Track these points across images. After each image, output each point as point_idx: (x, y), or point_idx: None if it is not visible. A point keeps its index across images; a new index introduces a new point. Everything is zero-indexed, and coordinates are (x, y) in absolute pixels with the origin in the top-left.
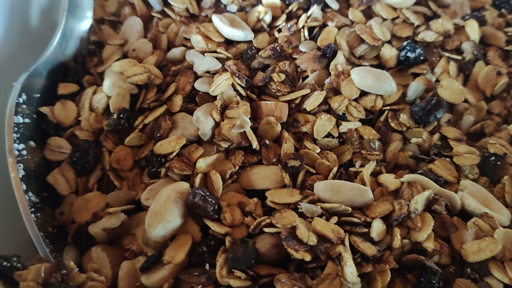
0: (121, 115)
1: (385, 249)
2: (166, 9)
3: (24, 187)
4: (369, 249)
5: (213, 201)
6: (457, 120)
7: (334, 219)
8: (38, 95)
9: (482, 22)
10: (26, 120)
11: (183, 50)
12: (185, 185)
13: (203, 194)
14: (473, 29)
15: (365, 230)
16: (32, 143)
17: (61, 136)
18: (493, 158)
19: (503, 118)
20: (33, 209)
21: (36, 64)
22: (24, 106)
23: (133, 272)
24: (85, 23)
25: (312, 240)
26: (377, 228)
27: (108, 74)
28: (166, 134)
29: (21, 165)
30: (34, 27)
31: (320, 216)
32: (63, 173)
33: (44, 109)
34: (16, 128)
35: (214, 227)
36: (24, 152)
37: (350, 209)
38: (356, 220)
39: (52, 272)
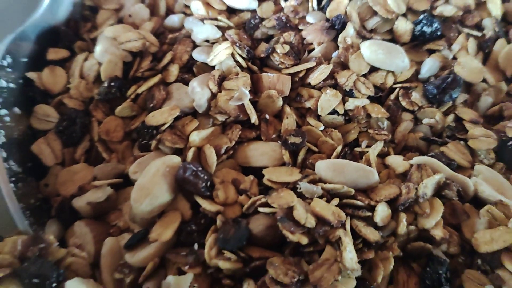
0: (113, 84)
1: (389, 235)
2: None
3: (4, 154)
4: (372, 235)
5: (206, 177)
6: (474, 101)
7: (336, 201)
8: (26, 60)
9: None
10: (11, 85)
11: (182, 17)
12: (175, 159)
13: (194, 169)
14: (495, 5)
15: (369, 214)
16: (16, 109)
17: (49, 104)
18: (511, 143)
19: None
20: (14, 179)
21: (24, 27)
22: (9, 69)
23: (117, 249)
24: None
25: (310, 222)
26: (382, 212)
27: (101, 39)
28: (159, 105)
29: (2, 131)
30: None
31: (321, 197)
32: (48, 143)
33: (32, 75)
34: None
35: (205, 204)
36: (7, 118)
37: (353, 190)
38: (359, 203)
39: (29, 245)
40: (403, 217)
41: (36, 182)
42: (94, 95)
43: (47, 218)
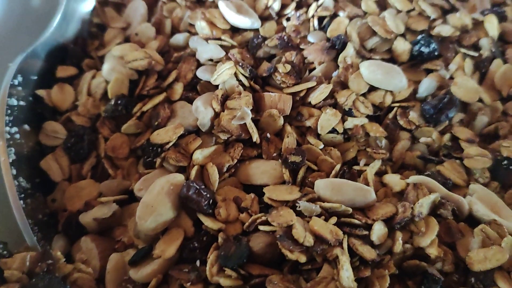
0: (119, 102)
1: (385, 253)
2: None
3: (15, 172)
4: (368, 253)
5: (208, 195)
6: (470, 121)
7: (333, 219)
8: (35, 77)
9: (502, 18)
10: (21, 103)
11: (187, 36)
12: (179, 177)
13: (197, 187)
14: (492, 25)
15: (365, 232)
16: (26, 126)
17: (57, 121)
18: (506, 162)
19: None
20: (22, 195)
21: (34, 45)
22: (20, 88)
23: (122, 265)
24: (87, 4)
25: (309, 240)
26: (378, 231)
27: (108, 58)
28: (164, 123)
29: (13, 149)
30: (36, 7)
31: (319, 215)
32: (56, 159)
33: (41, 92)
34: (9, 111)
35: (207, 222)
36: (17, 136)
37: (350, 209)
38: (356, 221)
39: (37, 261)
40: (399, 236)
41: (44, 198)
42: (101, 112)
43: (54, 233)
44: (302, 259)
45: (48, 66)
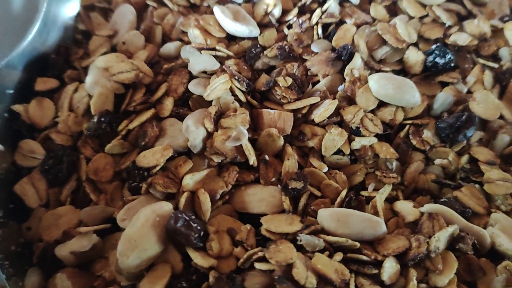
0: (102, 119)
1: None
2: None
3: None
4: None
5: (199, 227)
6: (490, 139)
7: (339, 255)
8: (11, 91)
9: None
10: None
11: (179, 46)
12: (166, 207)
13: (186, 218)
14: None
15: (375, 271)
16: (0, 146)
17: (35, 139)
18: None
19: None
20: None
21: (10, 57)
22: None
23: None
24: (71, 9)
25: (311, 282)
26: (390, 268)
27: (92, 70)
28: (151, 143)
29: None
30: (17, 13)
31: (323, 250)
32: (33, 183)
33: (18, 108)
34: None
35: (197, 259)
36: None
37: (358, 244)
38: (364, 258)
39: None
40: (413, 274)
41: (18, 226)
42: (83, 129)
43: (28, 266)
44: None
45: (26, 78)
